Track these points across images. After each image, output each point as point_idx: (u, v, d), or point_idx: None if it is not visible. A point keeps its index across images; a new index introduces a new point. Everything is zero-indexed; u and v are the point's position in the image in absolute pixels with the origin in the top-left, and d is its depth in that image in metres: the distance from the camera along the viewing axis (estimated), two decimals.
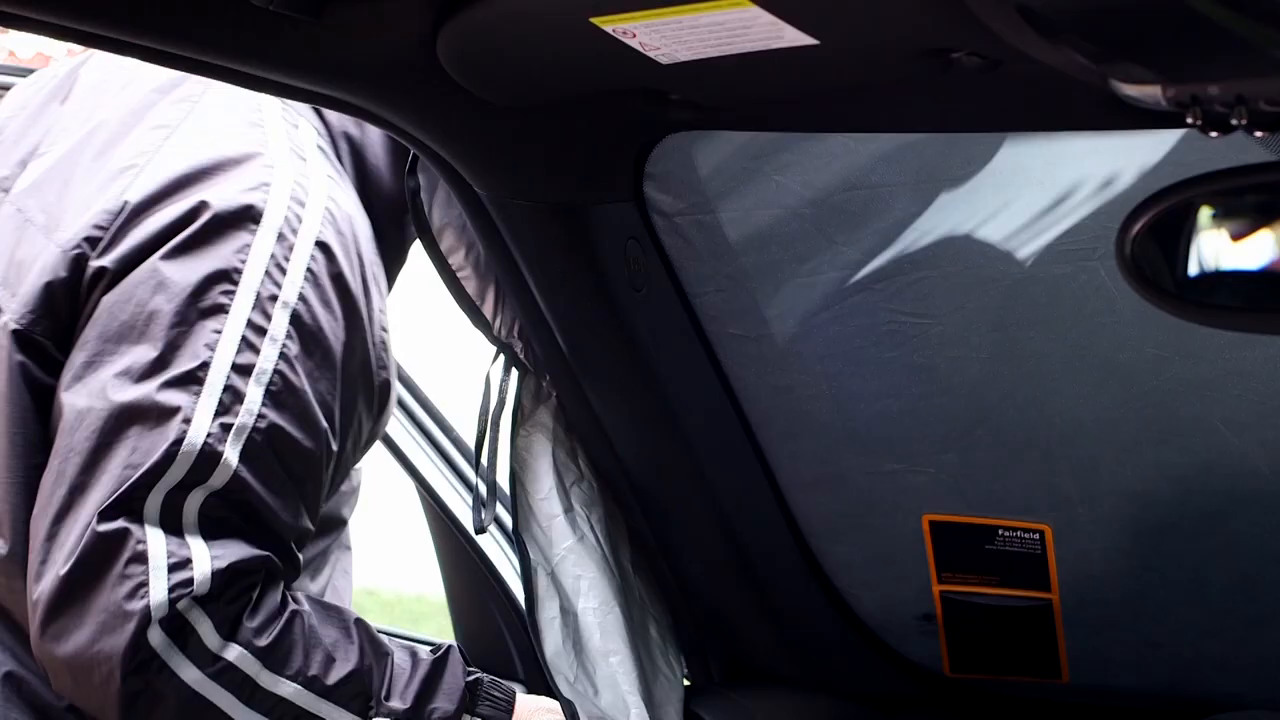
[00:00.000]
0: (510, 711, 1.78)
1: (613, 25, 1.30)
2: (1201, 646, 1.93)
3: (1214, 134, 1.09)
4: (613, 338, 1.78)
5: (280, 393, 1.64)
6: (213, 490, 1.62)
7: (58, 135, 1.86)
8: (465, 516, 2.30)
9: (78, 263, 1.69)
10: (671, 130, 1.63)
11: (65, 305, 1.70)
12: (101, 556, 1.60)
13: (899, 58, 1.27)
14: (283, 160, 1.71)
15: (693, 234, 1.74)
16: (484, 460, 1.90)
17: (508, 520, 2.24)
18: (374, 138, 1.82)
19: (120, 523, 1.60)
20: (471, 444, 2.29)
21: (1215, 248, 1.27)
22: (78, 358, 1.66)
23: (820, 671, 1.99)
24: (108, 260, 1.67)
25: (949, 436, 1.83)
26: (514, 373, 1.91)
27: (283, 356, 1.65)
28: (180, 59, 1.44)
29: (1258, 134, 1.09)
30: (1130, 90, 1.12)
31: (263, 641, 1.64)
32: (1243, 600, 1.86)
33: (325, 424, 1.68)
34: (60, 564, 1.60)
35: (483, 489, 1.92)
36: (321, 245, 1.69)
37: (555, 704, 1.82)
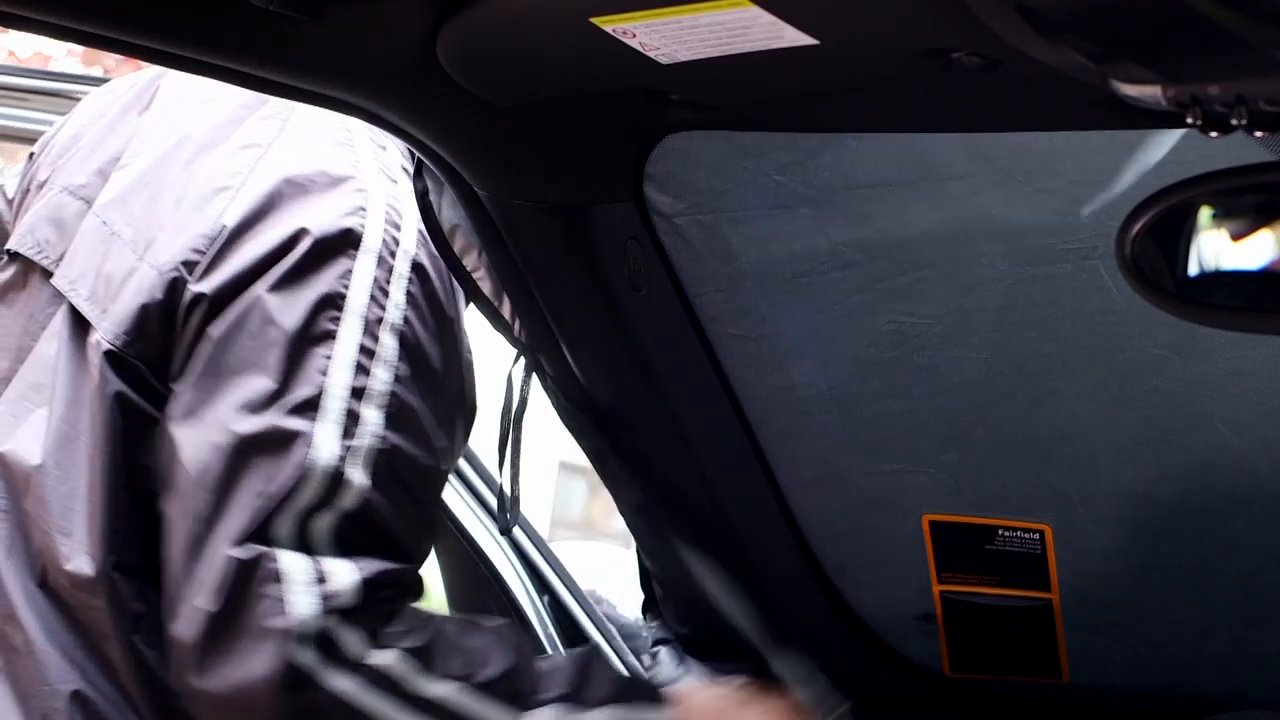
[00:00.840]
0: (663, 700, 1.77)
1: (613, 25, 1.30)
2: (1201, 646, 1.93)
3: (1214, 134, 1.09)
4: (613, 338, 1.78)
5: (397, 414, 1.67)
6: (343, 512, 1.64)
7: (139, 146, 1.87)
8: (466, 517, 2.30)
9: (174, 286, 1.70)
10: (671, 130, 1.63)
11: (160, 328, 1.71)
12: (243, 585, 1.60)
13: (899, 58, 1.27)
14: (375, 183, 1.74)
15: (693, 234, 1.74)
16: (506, 461, 1.91)
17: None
18: None
19: (257, 549, 1.61)
20: (472, 446, 2.30)
21: (1215, 248, 1.27)
22: (188, 392, 1.67)
23: (820, 671, 1.98)
24: (206, 286, 1.68)
25: (949, 436, 1.83)
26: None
27: (396, 379, 1.67)
28: (180, 59, 1.44)
29: (1258, 134, 1.09)
30: (1130, 90, 1.12)
31: (412, 644, 1.65)
32: (1243, 600, 1.86)
33: (437, 443, 1.71)
34: (203, 600, 1.61)
35: (506, 490, 1.92)
36: (417, 267, 1.72)
37: (720, 689, 1.81)
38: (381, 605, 1.65)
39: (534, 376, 1.90)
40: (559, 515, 10.34)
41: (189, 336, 1.69)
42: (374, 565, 1.64)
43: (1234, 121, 1.08)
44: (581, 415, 1.87)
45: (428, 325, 1.72)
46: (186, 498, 1.64)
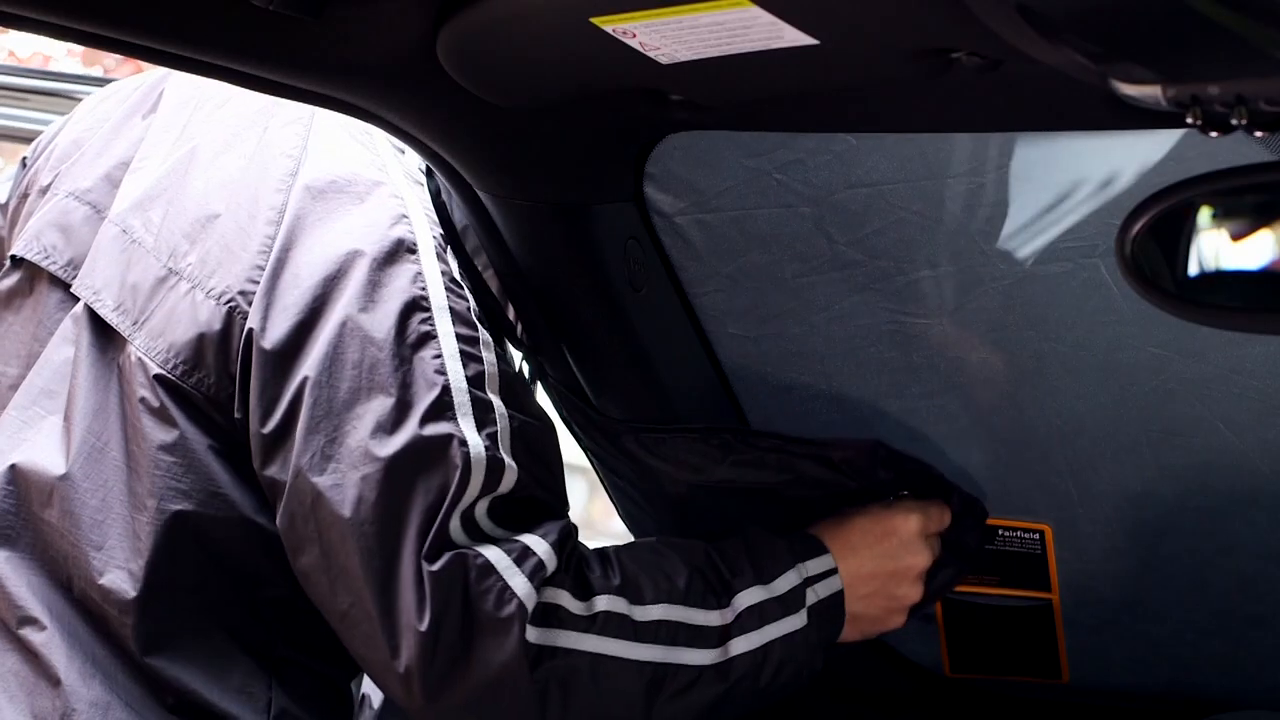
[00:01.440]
0: (825, 547, 1.80)
1: (613, 25, 1.30)
2: (1201, 646, 1.93)
3: (1214, 134, 1.09)
4: (613, 338, 1.78)
5: (508, 390, 1.68)
6: (498, 495, 1.65)
7: (148, 150, 1.86)
8: None
9: (231, 316, 1.69)
10: (671, 130, 1.63)
11: (217, 359, 1.69)
12: (456, 591, 1.60)
13: (899, 58, 1.27)
14: (404, 187, 1.74)
15: (693, 234, 1.74)
16: None
17: None
18: None
19: (454, 553, 1.61)
20: None
21: (1215, 248, 1.27)
22: (310, 440, 1.64)
23: (820, 671, 1.98)
24: (259, 323, 1.67)
25: (949, 436, 1.83)
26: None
27: (499, 358, 1.69)
28: (180, 59, 1.44)
29: (1258, 134, 1.09)
30: (1130, 90, 1.12)
31: (616, 581, 1.67)
32: (1243, 600, 1.86)
33: (537, 405, 1.75)
34: (415, 621, 1.59)
35: None
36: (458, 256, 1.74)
37: (884, 515, 1.82)
38: (573, 557, 1.67)
39: (537, 379, 1.90)
40: None
41: (249, 370, 1.67)
42: (550, 527, 1.66)
43: (1234, 121, 1.07)
44: (582, 415, 1.87)
45: (481, 298, 1.75)
46: (351, 538, 1.61)
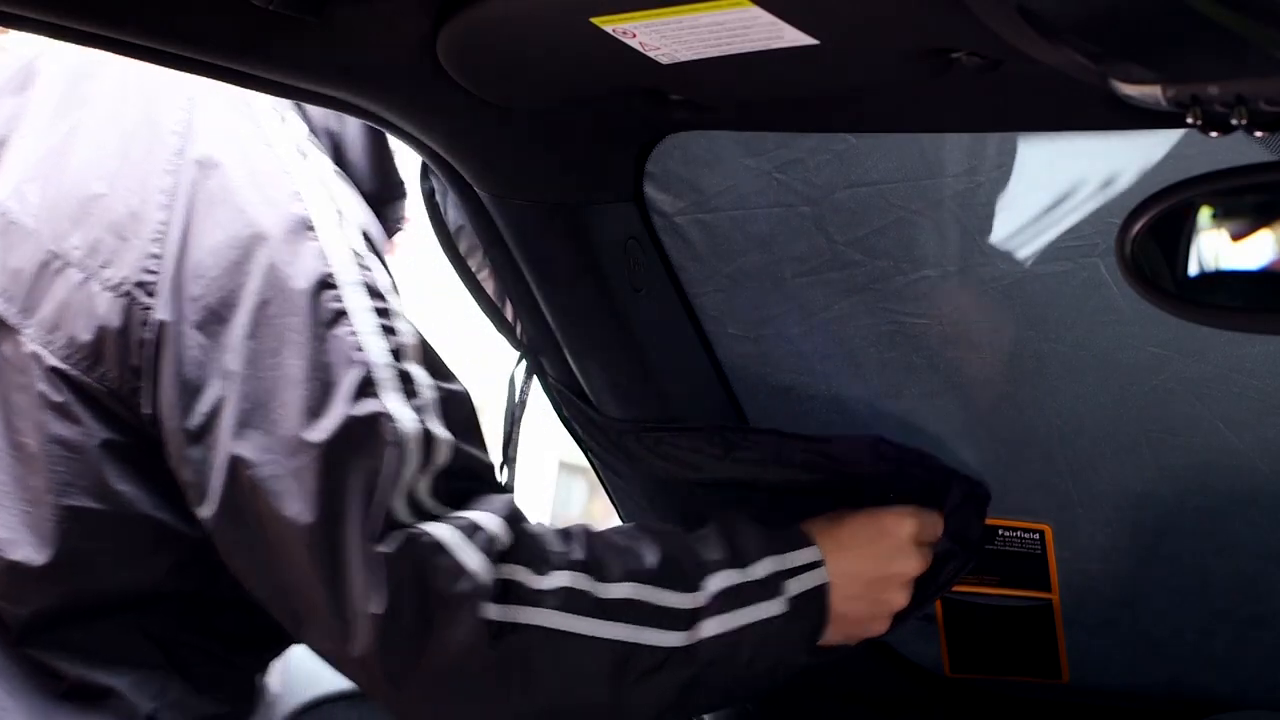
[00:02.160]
0: (810, 539, 1.75)
1: (613, 25, 1.30)
2: (1201, 646, 1.93)
3: (1214, 134, 1.09)
4: (613, 338, 1.78)
5: (428, 360, 1.65)
6: (437, 470, 1.61)
7: (24, 128, 1.80)
8: None
9: (130, 308, 1.64)
10: (671, 130, 1.63)
11: (117, 352, 1.65)
12: (409, 571, 1.56)
13: (899, 58, 1.27)
14: (293, 161, 1.70)
15: (693, 234, 1.74)
16: (507, 462, 1.91)
17: None
18: (352, 133, 1.80)
19: (402, 534, 1.57)
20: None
21: (1215, 248, 1.27)
22: (240, 433, 1.60)
23: (820, 671, 1.98)
24: (168, 315, 1.63)
25: (948, 437, 1.83)
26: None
27: (414, 330, 1.65)
28: (180, 59, 1.44)
29: (1258, 134, 1.09)
30: (1130, 90, 1.12)
31: (577, 557, 1.64)
32: (1243, 600, 1.86)
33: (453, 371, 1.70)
34: (368, 606, 1.56)
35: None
36: (360, 228, 1.69)
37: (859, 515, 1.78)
38: (525, 534, 1.64)
39: (534, 377, 1.90)
40: (559, 515, 10.35)
41: (155, 362, 1.63)
42: (497, 502, 1.63)
43: (1234, 121, 1.08)
44: (582, 415, 1.87)
45: (388, 270, 1.69)
46: (287, 535, 1.58)
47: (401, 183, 1.84)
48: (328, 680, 2.27)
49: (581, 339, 1.80)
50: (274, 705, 1.95)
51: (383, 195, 1.80)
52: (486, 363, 1.95)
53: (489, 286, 1.85)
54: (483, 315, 1.90)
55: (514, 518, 1.64)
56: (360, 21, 1.40)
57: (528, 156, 1.64)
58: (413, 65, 1.45)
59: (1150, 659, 1.96)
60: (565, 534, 1.68)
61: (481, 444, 1.68)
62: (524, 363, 1.90)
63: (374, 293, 1.63)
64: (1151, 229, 1.23)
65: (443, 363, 1.68)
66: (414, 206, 1.87)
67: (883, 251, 1.72)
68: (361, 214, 1.72)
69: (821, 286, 1.76)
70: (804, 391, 1.85)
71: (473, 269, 1.84)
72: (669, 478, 1.88)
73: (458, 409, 1.65)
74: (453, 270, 1.85)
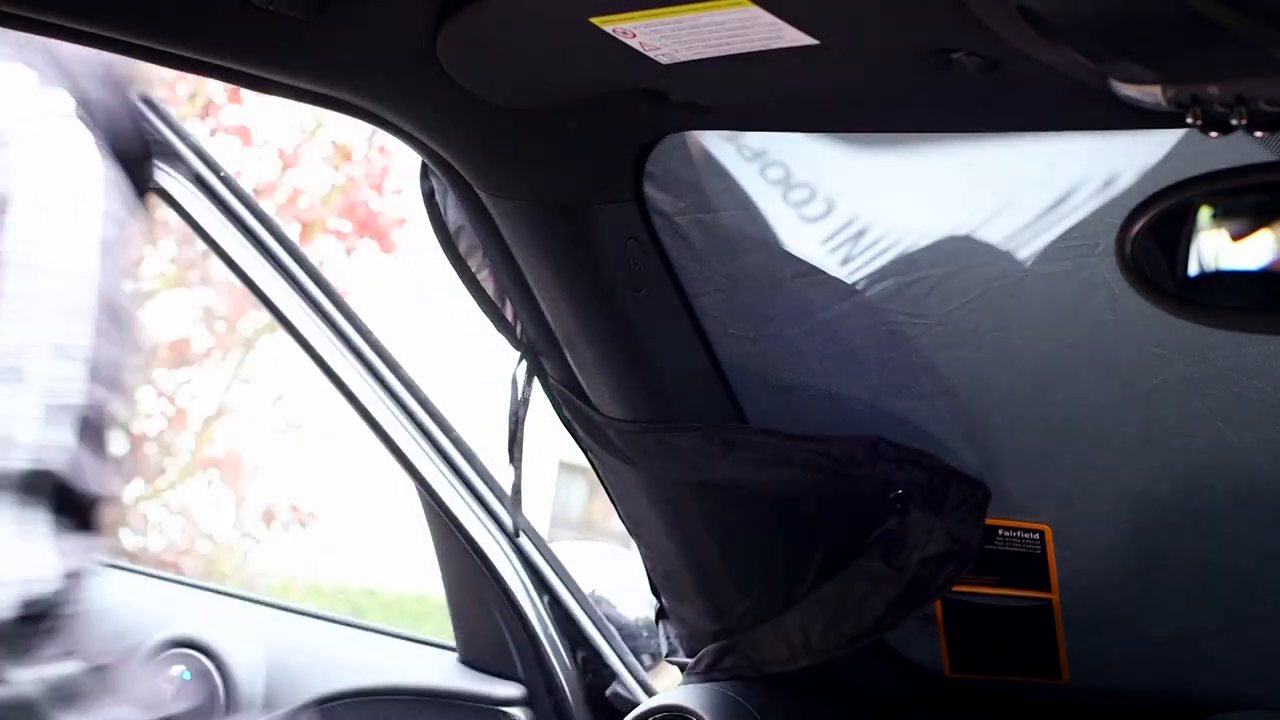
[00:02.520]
0: None
1: (613, 25, 1.30)
2: (1201, 646, 1.93)
3: (1214, 134, 1.09)
4: (613, 338, 1.78)
5: None
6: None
7: None
8: (466, 517, 2.30)
9: None
10: (671, 130, 1.63)
11: None
12: None
13: (899, 58, 1.28)
14: None
15: (693, 234, 1.74)
16: (513, 463, 1.90)
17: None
18: (98, 89, 1.65)
19: None
20: (471, 444, 2.30)
21: (1215, 248, 1.27)
22: None
23: (820, 671, 1.98)
24: None
25: (949, 436, 1.83)
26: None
27: None
28: (180, 59, 1.44)
29: (1258, 134, 1.09)
30: (1130, 90, 1.12)
31: (58, 672, 1.44)
32: (1243, 600, 1.86)
33: None
34: None
35: (514, 492, 1.91)
36: None
37: None
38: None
39: (534, 377, 1.90)
40: (559, 515, 10.34)
41: None
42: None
43: (1234, 121, 1.08)
44: (582, 415, 1.87)
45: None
46: None
47: (149, 142, 1.73)
48: (329, 680, 2.28)
49: (581, 339, 1.80)
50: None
51: (130, 154, 1.70)
52: (486, 363, 1.94)
53: (489, 286, 1.85)
54: (483, 315, 1.90)
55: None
56: (360, 21, 1.40)
57: (528, 156, 1.64)
58: (413, 65, 1.45)
59: (1150, 659, 1.96)
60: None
61: None
62: (524, 363, 1.90)
63: None
64: (1151, 229, 1.23)
65: None
66: (413, 206, 1.87)
67: (883, 252, 1.72)
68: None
69: (821, 287, 1.76)
70: (804, 391, 1.85)
71: (473, 269, 1.84)
72: (669, 478, 1.88)
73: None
74: (453, 270, 1.85)
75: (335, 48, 1.44)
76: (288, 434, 7.62)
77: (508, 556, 2.30)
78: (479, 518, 2.29)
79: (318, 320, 2.27)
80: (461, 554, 2.31)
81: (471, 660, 2.33)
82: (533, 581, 2.28)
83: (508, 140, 1.61)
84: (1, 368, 1.48)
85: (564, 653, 2.26)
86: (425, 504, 2.35)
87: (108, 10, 1.37)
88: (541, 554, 2.29)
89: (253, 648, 2.40)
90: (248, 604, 2.60)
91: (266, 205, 4.23)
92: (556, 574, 2.28)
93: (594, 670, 2.25)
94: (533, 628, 2.26)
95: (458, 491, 2.31)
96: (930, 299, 1.74)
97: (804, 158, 1.70)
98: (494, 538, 2.30)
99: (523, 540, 2.29)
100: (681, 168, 1.69)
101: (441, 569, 2.39)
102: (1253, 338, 1.64)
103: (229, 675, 2.37)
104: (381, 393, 2.28)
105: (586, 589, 2.33)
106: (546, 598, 2.28)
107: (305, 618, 2.59)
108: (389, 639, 2.49)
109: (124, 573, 2.66)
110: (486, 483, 2.30)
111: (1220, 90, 1.07)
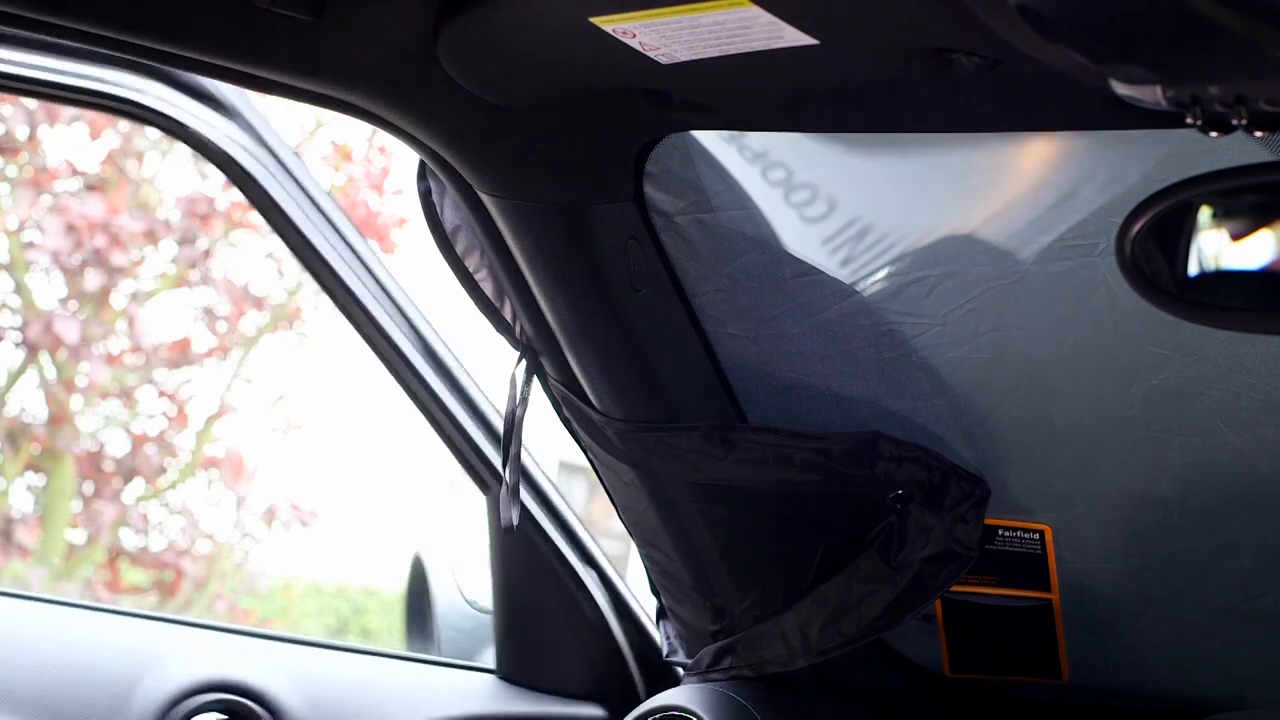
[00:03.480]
0: None
1: (613, 25, 1.30)
2: (1201, 646, 1.93)
3: (1214, 134, 1.09)
4: (613, 338, 1.78)
5: None
6: None
7: None
8: (552, 531, 2.27)
9: None
10: (671, 130, 1.63)
11: None
12: None
13: (899, 58, 1.27)
14: None
15: (693, 234, 1.74)
16: (509, 461, 1.90)
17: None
18: None
19: None
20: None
21: (1215, 248, 1.27)
22: None
23: (820, 671, 1.98)
24: None
25: (949, 437, 1.83)
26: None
27: None
28: (180, 59, 1.44)
29: (1258, 134, 1.09)
30: (1130, 90, 1.12)
31: None
32: (1243, 600, 1.86)
33: None
34: None
35: (509, 487, 1.91)
36: None
37: None
38: None
39: (534, 377, 1.90)
40: None
41: None
42: None
43: (1234, 121, 1.08)
44: (582, 415, 1.87)
45: None
46: None
47: None
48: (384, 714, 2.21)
49: (581, 339, 1.80)
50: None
51: None
52: (486, 363, 1.94)
53: (486, 287, 1.85)
54: (481, 315, 1.90)
55: None
56: (360, 21, 1.40)
57: (528, 156, 1.64)
58: (413, 65, 1.45)
59: (1150, 659, 1.96)
60: None
61: None
62: (524, 363, 1.90)
63: None
64: (1151, 229, 1.23)
65: None
66: (414, 207, 1.87)
67: (883, 252, 1.72)
68: None
69: (821, 286, 1.76)
70: (804, 391, 1.85)
71: (470, 269, 1.83)
72: (669, 478, 1.88)
73: None
74: (450, 270, 1.85)
75: (335, 48, 1.43)
76: (288, 434, 7.62)
77: (588, 572, 2.28)
78: (559, 531, 2.27)
79: (377, 298, 2.22)
80: (537, 569, 2.27)
81: (514, 677, 2.30)
82: (608, 598, 2.27)
83: (508, 140, 1.61)
84: None
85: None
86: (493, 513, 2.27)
87: (108, 10, 1.37)
88: (610, 566, 2.28)
89: (290, 686, 2.18)
90: (260, 640, 2.34)
91: None
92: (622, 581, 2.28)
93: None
94: (620, 647, 2.26)
95: (535, 500, 2.28)
96: (930, 299, 1.74)
97: (806, 159, 1.70)
98: (572, 550, 2.28)
99: (593, 550, 2.27)
100: (681, 168, 1.69)
101: (502, 585, 2.31)
102: (1253, 338, 1.64)
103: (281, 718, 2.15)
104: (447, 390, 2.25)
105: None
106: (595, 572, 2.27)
107: (326, 650, 2.42)
108: (416, 665, 2.36)
109: (126, 617, 2.32)
110: (558, 491, 2.29)
111: (1220, 90, 1.07)
